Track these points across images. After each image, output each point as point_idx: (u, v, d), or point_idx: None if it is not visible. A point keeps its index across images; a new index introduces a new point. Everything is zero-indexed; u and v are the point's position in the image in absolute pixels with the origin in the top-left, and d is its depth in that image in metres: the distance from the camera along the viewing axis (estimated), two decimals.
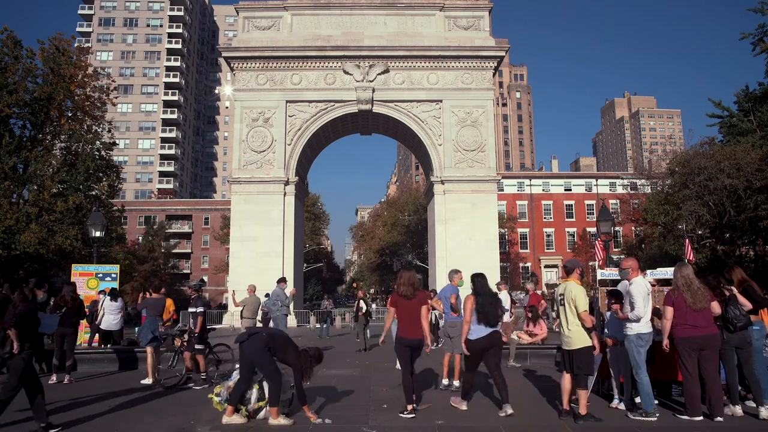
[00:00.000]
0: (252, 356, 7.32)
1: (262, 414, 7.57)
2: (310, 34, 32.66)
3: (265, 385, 7.64)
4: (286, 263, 30.92)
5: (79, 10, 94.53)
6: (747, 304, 7.58)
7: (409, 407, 7.70)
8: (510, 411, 7.52)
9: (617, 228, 48.74)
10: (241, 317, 17.36)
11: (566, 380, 7.32)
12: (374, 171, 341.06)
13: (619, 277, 9.37)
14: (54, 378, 10.94)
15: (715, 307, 7.45)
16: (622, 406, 7.92)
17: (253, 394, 7.65)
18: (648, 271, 19.05)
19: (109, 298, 14.43)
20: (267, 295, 20.81)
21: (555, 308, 7.78)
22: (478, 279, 8.22)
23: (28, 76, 27.81)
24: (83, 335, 16.74)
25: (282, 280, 15.02)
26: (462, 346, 8.04)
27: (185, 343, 10.76)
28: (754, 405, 7.66)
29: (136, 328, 16.07)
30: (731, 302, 7.55)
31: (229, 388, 7.72)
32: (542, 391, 9.44)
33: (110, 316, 14.18)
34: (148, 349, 11.05)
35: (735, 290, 7.80)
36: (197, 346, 10.68)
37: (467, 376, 8.19)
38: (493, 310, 7.95)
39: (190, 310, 11.10)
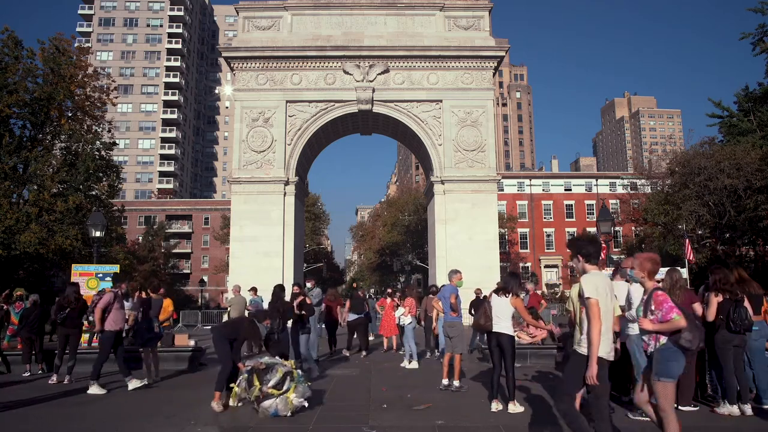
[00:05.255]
0: (215, 345, 8.66)
1: (267, 403, 7.61)
2: (310, 34, 32.65)
3: (287, 376, 7.85)
4: (286, 263, 30.90)
5: (79, 10, 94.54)
6: (750, 310, 7.62)
7: (346, 350, 15.45)
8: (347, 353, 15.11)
9: (617, 228, 48.71)
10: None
11: None
12: (374, 171, 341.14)
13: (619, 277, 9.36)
14: (54, 378, 10.92)
15: (697, 308, 7.60)
16: None
17: (273, 379, 7.80)
18: None
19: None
20: (252, 289, 20.43)
21: (570, 308, 7.60)
22: (353, 290, 14.29)
23: (28, 76, 27.86)
24: (84, 335, 16.76)
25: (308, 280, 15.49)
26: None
27: None
28: (756, 404, 7.73)
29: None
30: (740, 304, 7.57)
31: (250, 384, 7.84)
32: (543, 390, 9.44)
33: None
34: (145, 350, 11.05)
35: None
36: None
37: (349, 337, 15.73)
38: (358, 306, 15.51)
39: None
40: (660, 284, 5.59)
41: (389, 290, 17.74)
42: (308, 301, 13.13)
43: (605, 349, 4.84)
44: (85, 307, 11.83)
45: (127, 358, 12.99)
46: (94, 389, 9.66)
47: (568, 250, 5.51)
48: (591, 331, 4.77)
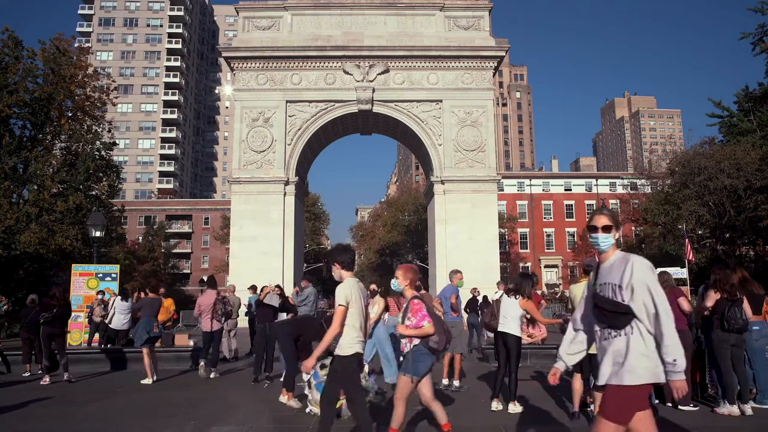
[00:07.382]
0: (279, 343, 8.96)
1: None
2: (310, 34, 32.66)
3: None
4: (286, 263, 30.92)
5: (79, 10, 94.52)
6: (748, 311, 7.60)
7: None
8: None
9: None
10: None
11: (578, 382, 7.23)
12: (374, 171, 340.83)
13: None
14: (47, 379, 10.79)
15: (682, 303, 7.78)
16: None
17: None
18: None
19: (120, 297, 14.51)
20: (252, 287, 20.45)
21: (570, 307, 7.62)
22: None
23: (28, 76, 27.81)
24: (83, 335, 16.77)
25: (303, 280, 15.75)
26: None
27: None
28: (758, 404, 7.72)
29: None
30: (736, 304, 7.55)
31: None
32: (543, 390, 9.44)
33: (120, 316, 14.24)
34: (144, 350, 10.87)
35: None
36: None
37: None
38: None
39: None
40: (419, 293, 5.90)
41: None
42: (291, 301, 13.33)
43: (355, 347, 5.29)
44: (69, 307, 11.81)
45: (114, 358, 13.02)
46: (201, 370, 11.00)
47: (326, 258, 5.97)
48: (328, 332, 5.30)
